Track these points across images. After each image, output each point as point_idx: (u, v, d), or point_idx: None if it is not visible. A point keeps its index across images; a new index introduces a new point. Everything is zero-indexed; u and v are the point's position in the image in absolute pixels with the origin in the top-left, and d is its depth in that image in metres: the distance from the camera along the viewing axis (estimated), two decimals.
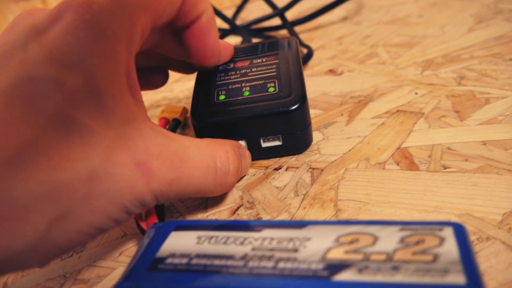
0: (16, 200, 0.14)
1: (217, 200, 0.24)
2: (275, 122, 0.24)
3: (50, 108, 0.15)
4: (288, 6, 0.41)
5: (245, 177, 0.25)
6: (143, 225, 0.21)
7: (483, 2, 0.40)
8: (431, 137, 0.25)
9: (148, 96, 0.37)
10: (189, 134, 0.30)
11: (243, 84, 0.26)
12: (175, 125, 0.30)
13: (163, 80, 0.28)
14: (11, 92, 0.15)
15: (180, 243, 0.17)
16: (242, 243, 0.16)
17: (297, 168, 0.25)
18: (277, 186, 0.24)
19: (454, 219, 0.20)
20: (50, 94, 0.16)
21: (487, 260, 0.18)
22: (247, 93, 0.25)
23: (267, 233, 0.17)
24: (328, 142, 0.26)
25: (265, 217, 0.22)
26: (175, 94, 0.37)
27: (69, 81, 0.16)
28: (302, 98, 0.24)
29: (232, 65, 0.28)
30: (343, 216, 0.21)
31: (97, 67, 0.17)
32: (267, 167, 0.25)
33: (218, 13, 0.40)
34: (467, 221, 0.20)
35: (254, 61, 0.28)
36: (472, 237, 0.19)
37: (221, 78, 0.27)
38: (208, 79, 0.27)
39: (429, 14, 0.40)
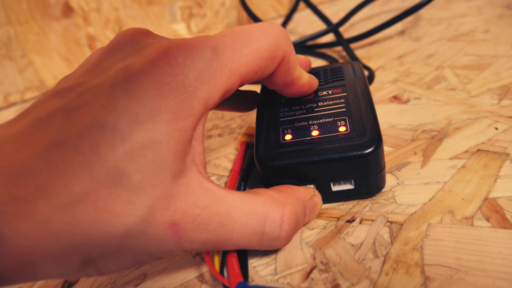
0: (60, 241, 0.15)
1: (286, 259, 0.22)
2: (348, 166, 0.22)
3: (110, 161, 0.16)
4: (343, 21, 0.38)
5: (316, 230, 0.23)
6: (226, 282, 0.19)
7: None
8: None
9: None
10: None
11: (310, 122, 0.24)
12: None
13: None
14: (85, 134, 0.16)
15: None
16: None
17: (373, 221, 0.23)
18: (353, 243, 0.22)
19: None
20: (114, 146, 0.16)
21: None
22: (315, 132, 0.23)
23: None
24: (404, 188, 0.24)
25: (344, 283, 0.20)
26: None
27: (134, 135, 0.16)
28: (377, 139, 0.22)
29: (295, 98, 0.26)
30: (433, 286, 0.19)
31: (167, 124, 0.16)
32: (338, 218, 0.23)
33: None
34: None
35: (319, 93, 0.26)
36: None
37: (285, 113, 0.25)
38: (271, 115, 0.25)
39: (496, 28, 0.36)
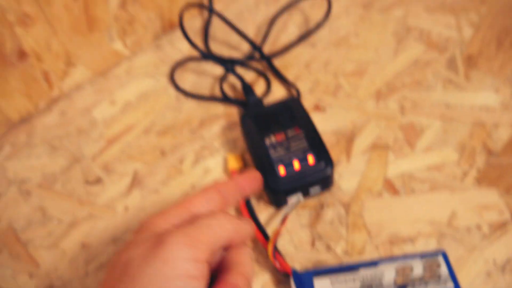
0: None
1: (298, 237, 0.43)
2: (319, 182, 0.43)
3: None
4: (264, 41, 0.55)
5: (306, 217, 0.44)
6: (278, 266, 0.40)
7: (395, 16, 0.58)
8: (399, 167, 0.46)
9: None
10: None
11: (291, 158, 0.43)
12: None
13: None
14: None
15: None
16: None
17: (334, 204, 0.44)
18: (328, 220, 0.43)
19: (426, 226, 0.42)
20: None
21: (446, 248, 0.41)
22: (297, 166, 0.43)
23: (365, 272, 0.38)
24: (342, 179, 0.46)
25: (334, 246, 0.42)
26: (209, 140, 0.51)
27: None
28: (331, 164, 0.42)
29: (274, 140, 0.44)
30: (373, 235, 0.42)
31: None
32: (315, 206, 0.44)
33: (193, 44, 0.52)
34: (434, 226, 0.42)
35: (287, 133, 0.44)
36: (436, 235, 0.41)
37: (274, 154, 0.43)
38: (263, 155, 0.43)
39: (362, 32, 0.57)
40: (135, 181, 0.48)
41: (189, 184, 0.47)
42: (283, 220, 0.40)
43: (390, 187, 0.44)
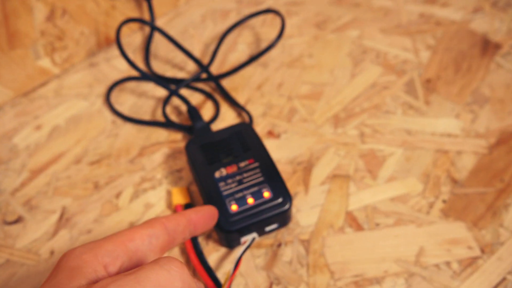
0: None
1: (253, 282, 0.38)
2: (276, 218, 0.39)
3: None
4: (211, 61, 0.50)
5: (262, 257, 0.39)
6: None
7: (350, 37, 0.55)
8: (362, 200, 0.42)
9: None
10: None
11: (244, 192, 0.39)
12: None
13: None
14: None
15: None
16: None
17: (292, 242, 0.40)
18: (286, 261, 0.39)
19: (393, 265, 0.38)
20: None
21: None
22: (251, 200, 0.38)
23: None
24: (301, 214, 0.42)
25: None
26: (149, 171, 0.46)
27: None
28: (289, 199, 0.38)
29: (224, 172, 0.40)
30: (336, 276, 0.38)
31: None
32: (271, 245, 0.40)
33: (131, 62, 0.47)
34: (400, 264, 0.38)
35: (240, 164, 0.40)
36: (404, 275, 0.38)
37: (224, 187, 0.39)
38: (213, 189, 0.39)
39: (316, 52, 0.54)
40: (63, 220, 0.42)
41: (127, 222, 0.42)
42: (237, 264, 0.36)
43: (353, 222, 0.41)
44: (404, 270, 0.38)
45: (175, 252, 0.40)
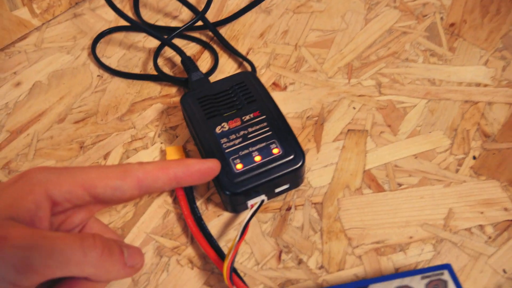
0: None
1: (260, 251, 0.33)
2: (287, 178, 0.33)
3: None
4: (207, 7, 0.44)
5: (269, 223, 0.34)
6: None
7: None
8: (382, 157, 0.37)
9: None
10: None
11: (250, 149, 0.33)
12: None
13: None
14: None
15: None
16: None
17: (303, 205, 0.35)
18: (297, 226, 0.34)
19: (419, 229, 0.33)
20: None
21: (446, 257, 0.32)
22: (258, 158, 0.33)
23: None
24: (312, 173, 0.36)
25: (304, 257, 0.33)
26: (141, 129, 0.40)
27: None
28: (302, 155, 0.33)
29: (226, 126, 0.34)
30: (354, 243, 0.33)
31: None
32: (280, 209, 0.35)
33: (118, 10, 0.41)
34: (426, 229, 0.33)
35: (243, 118, 0.35)
36: (432, 241, 0.33)
37: (227, 144, 0.34)
38: (213, 146, 0.33)
39: None
40: None
41: None
42: (244, 230, 0.31)
43: (372, 182, 0.36)
44: (432, 235, 0.33)
45: (172, 218, 0.35)
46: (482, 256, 0.32)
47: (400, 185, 0.35)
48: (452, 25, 0.45)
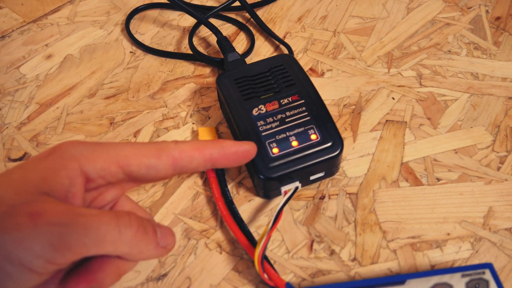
0: None
1: (291, 239, 0.32)
2: (324, 165, 0.32)
3: None
4: None
5: (301, 211, 0.33)
6: (268, 280, 0.29)
7: None
8: (420, 150, 0.36)
9: (146, 119, 0.39)
10: None
11: (287, 133, 0.32)
12: None
13: None
14: None
15: None
16: None
17: (337, 195, 0.34)
18: (330, 216, 0.33)
19: (457, 227, 0.32)
20: None
21: (484, 256, 0.31)
22: (295, 143, 0.32)
23: None
24: (348, 163, 0.35)
25: (336, 248, 0.32)
26: (172, 108, 0.39)
27: None
28: (341, 143, 0.32)
29: (264, 109, 0.33)
30: (389, 236, 0.32)
31: None
32: (313, 197, 0.34)
33: None
34: (465, 227, 0.32)
35: (281, 101, 0.34)
36: (470, 239, 0.32)
37: (263, 127, 0.32)
38: (249, 128, 0.32)
39: None
40: None
41: None
42: (277, 217, 0.30)
43: (409, 175, 0.34)
44: (470, 233, 0.32)
45: (202, 201, 0.34)
46: None
47: (438, 179, 0.34)
48: (497, 18, 0.43)
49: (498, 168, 0.34)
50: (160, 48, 0.43)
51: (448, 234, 0.32)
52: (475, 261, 0.31)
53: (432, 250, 0.31)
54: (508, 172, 0.34)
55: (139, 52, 0.43)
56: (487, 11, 0.44)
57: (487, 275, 0.28)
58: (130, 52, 0.43)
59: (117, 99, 0.40)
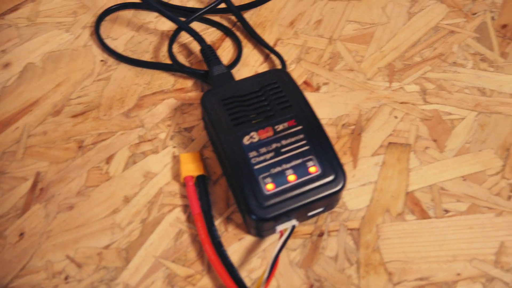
0: None
1: (287, 284, 0.29)
2: (325, 201, 0.29)
3: None
4: None
5: (298, 250, 0.30)
6: None
7: None
8: (427, 177, 0.33)
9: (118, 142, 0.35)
10: (218, 189, 0.32)
11: (283, 166, 0.29)
12: (204, 184, 0.31)
13: None
14: None
15: None
16: None
17: (337, 231, 0.31)
18: (330, 256, 0.30)
19: (468, 266, 0.29)
20: None
21: None
22: (292, 177, 0.29)
23: None
24: (349, 193, 0.32)
25: None
26: (150, 129, 0.35)
27: None
28: (343, 176, 0.29)
29: (256, 137, 0.30)
30: (396, 279, 0.29)
31: None
32: (311, 234, 0.31)
33: None
34: (476, 265, 0.30)
35: (276, 127, 0.30)
36: (482, 279, 0.29)
37: (256, 159, 0.29)
38: (240, 161, 0.29)
39: None
40: (37, 191, 0.32)
41: (120, 197, 0.32)
42: (273, 265, 0.26)
43: (415, 206, 0.31)
44: (482, 273, 0.29)
45: (185, 240, 0.30)
46: None
47: (446, 211, 0.31)
48: (504, 26, 0.40)
49: (509, 198, 0.32)
50: (135, 56, 0.38)
51: (459, 274, 0.29)
52: None
53: None
54: None
55: (111, 60, 0.38)
56: (492, 18, 0.41)
57: None
58: (101, 60, 0.38)
59: (86, 117, 0.35)
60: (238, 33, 0.40)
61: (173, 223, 0.31)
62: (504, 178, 0.33)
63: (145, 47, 0.39)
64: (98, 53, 0.39)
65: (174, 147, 0.34)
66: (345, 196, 0.32)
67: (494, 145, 0.34)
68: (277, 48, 0.39)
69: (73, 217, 0.31)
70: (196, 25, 0.40)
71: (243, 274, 0.29)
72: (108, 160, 0.33)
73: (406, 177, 0.33)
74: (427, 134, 0.35)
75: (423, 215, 0.31)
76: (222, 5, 0.40)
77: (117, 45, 0.39)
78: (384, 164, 0.33)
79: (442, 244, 0.30)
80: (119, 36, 0.40)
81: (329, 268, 0.30)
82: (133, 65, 0.38)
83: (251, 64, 0.38)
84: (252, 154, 0.29)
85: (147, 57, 0.39)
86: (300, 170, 0.29)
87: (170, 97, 0.36)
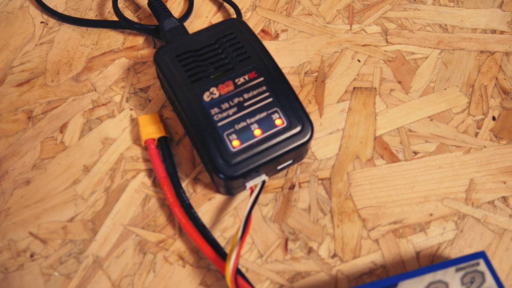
0: None
1: (262, 240, 0.29)
2: (293, 153, 0.29)
3: None
4: None
5: (270, 205, 0.30)
6: None
7: None
8: (394, 120, 0.33)
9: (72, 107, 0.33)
10: (182, 150, 0.31)
11: (248, 121, 0.28)
12: (167, 146, 0.30)
13: None
14: None
15: None
16: None
17: (308, 182, 0.31)
18: (303, 208, 0.30)
19: (439, 205, 0.30)
20: None
21: (469, 235, 0.29)
22: (258, 132, 0.28)
23: None
24: (317, 143, 0.32)
25: (314, 245, 0.29)
26: (103, 92, 0.34)
27: None
28: (311, 126, 0.28)
29: (217, 93, 0.29)
30: (370, 225, 0.29)
31: None
32: (282, 188, 0.30)
33: None
34: (447, 204, 0.30)
35: (236, 80, 0.29)
36: (454, 217, 0.30)
37: (219, 116, 0.28)
38: (202, 118, 0.28)
39: None
40: None
41: (79, 167, 0.30)
42: (246, 225, 0.26)
43: (385, 151, 0.31)
44: (453, 211, 0.30)
45: (153, 205, 0.29)
46: (506, 233, 0.29)
47: (415, 153, 0.32)
48: None
49: (476, 134, 0.32)
50: (78, 15, 0.36)
51: (431, 214, 0.30)
52: (461, 242, 0.29)
53: (416, 235, 0.29)
54: (486, 138, 0.32)
55: (52, 21, 0.36)
56: None
57: (482, 266, 0.26)
58: (41, 22, 0.36)
59: (32, 85, 0.33)
60: None
61: (139, 189, 0.30)
62: (470, 115, 0.33)
63: (87, 4, 0.37)
64: (37, 15, 0.36)
65: (131, 109, 0.33)
66: (313, 146, 0.32)
67: (459, 83, 0.34)
68: None
69: (31, 192, 0.30)
70: None
71: (216, 234, 0.29)
72: (62, 129, 0.32)
73: (373, 121, 0.33)
74: (391, 76, 0.34)
75: (393, 158, 0.31)
76: None
77: (57, 4, 0.37)
78: (350, 110, 0.33)
79: (413, 186, 0.31)
80: None
81: (303, 220, 0.29)
82: (77, 24, 0.36)
83: (204, 15, 0.36)
84: (214, 111, 0.28)
85: (91, 15, 0.36)
86: (266, 123, 0.28)
87: (121, 56, 0.35)
